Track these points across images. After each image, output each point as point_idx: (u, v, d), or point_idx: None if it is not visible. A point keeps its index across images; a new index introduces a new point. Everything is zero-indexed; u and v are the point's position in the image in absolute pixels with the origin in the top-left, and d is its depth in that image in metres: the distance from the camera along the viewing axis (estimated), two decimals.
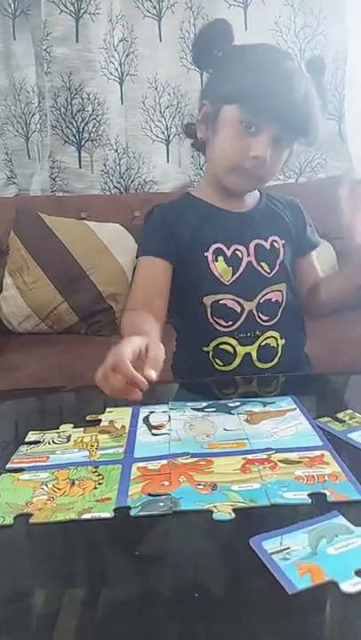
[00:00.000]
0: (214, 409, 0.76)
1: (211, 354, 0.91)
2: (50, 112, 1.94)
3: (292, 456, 0.61)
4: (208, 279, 0.88)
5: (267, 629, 0.39)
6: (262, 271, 0.90)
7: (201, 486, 0.56)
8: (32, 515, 0.53)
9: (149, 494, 0.55)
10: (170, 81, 1.96)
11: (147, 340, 0.63)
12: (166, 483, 0.57)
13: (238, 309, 0.89)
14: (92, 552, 0.50)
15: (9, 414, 0.86)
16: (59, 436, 0.70)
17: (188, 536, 0.51)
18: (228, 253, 0.88)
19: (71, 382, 1.32)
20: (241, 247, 0.89)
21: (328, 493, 0.53)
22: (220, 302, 0.89)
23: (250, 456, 0.62)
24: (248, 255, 0.89)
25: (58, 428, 0.72)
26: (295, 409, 0.74)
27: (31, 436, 0.70)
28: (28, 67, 1.98)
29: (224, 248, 0.88)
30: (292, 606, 0.41)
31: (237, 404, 0.77)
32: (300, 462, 0.60)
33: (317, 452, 0.62)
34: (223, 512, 0.51)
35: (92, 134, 1.98)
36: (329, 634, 0.40)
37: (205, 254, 0.88)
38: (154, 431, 0.70)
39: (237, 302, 0.89)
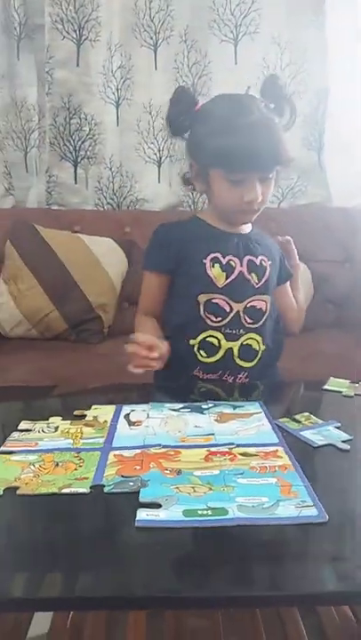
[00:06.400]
0: (189, 409, 0.85)
1: (196, 347, 1.04)
2: (49, 129, 2.03)
3: (251, 450, 0.71)
4: (204, 281, 1.02)
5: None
6: (251, 281, 1.04)
7: (168, 471, 0.65)
8: (19, 487, 0.62)
9: (122, 476, 0.64)
10: (163, 106, 2.03)
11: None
12: (138, 467, 0.66)
13: (228, 309, 1.02)
14: (69, 521, 0.58)
15: (1, 408, 0.94)
16: (47, 426, 0.78)
17: None
18: (224, 262, 1.03)
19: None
20: (235, 259, 1.04)
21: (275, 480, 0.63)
22: (213, 301, 1.02)
23: (214, 449, 0.71)
24: (241, 266, 1.04)
25: (48, 420, 0.80)
26: (260, 412, 0.84)
27: (23, 425, 0.79)
28: (30, 86, 2.07)
29: (220, 257, 1.03)
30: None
31: (210, 405, 0.86)
32: (256, 455, 0.69)
33: (273, 448, 0.71)
34: (183, 492, 0.60)
35: (88, 152, 2.07)
36: None
37: (204, 261, 1.03)
38: (132, 426, 0.79)
39: (227, 303, 1.02)
